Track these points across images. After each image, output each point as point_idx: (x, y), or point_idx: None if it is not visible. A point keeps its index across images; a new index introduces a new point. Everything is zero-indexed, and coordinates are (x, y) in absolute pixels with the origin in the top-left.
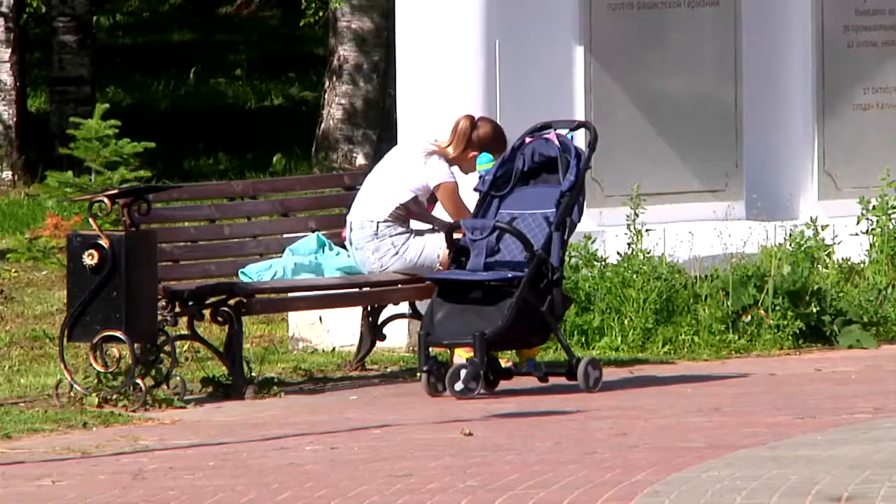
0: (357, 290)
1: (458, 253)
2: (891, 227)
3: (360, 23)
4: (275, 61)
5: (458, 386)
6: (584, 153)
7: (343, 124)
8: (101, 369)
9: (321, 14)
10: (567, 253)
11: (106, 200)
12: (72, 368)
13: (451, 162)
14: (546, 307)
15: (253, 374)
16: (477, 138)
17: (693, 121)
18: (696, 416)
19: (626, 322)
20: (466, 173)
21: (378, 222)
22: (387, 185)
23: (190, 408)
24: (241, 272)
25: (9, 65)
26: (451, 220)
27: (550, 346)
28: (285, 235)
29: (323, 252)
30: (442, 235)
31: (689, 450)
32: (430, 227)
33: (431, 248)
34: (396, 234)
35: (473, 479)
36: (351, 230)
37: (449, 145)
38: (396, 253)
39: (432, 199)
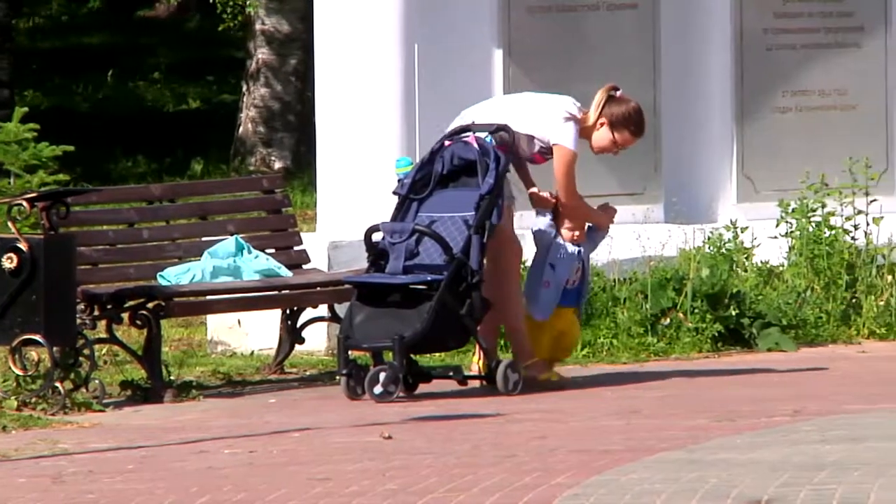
0: (276, 292)
1: (378, 256)
2: (810, 229)
3: (277, 26)
4: (193, 64)
5: (378, 389)
6: (502, 157)
7: (260, 128)
8: (20, 373)
9: (239, 18)
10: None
11: (25, 204)
12: None
13: (584, 131)
14: (465, 310)
15: (171, 377)
16: (608, 114)
17: None
18: (615, 420)
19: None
20: (597, 149)
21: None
22: (521, 111)
23: (109, 411)
24: (160, 275)
25: None
26: (558, 191)
27: (470, 349)
28: (204, 239)
29: (241, 255)
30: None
31: (609, 453)
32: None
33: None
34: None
35: (393, 482)
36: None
37: (589, 114)
38: None
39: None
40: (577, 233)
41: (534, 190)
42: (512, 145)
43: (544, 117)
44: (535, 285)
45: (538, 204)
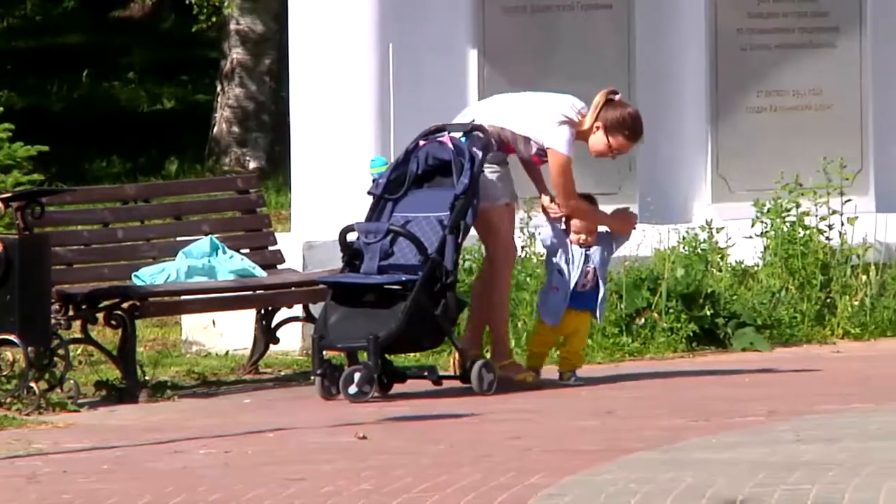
0: (250, 292)
1: (352, 256)
2: (784, 229)
3: (252, 26)
4: (168, 64)
5: (352, 389)
6: (477, 157)
7: (235, 128)
8: None
9: (214, 19)
10: (461, 256)
11: None
12: None
13: (581, 135)
14: (440, 310)
15: (146, 377)
16: (604, 118)
17: None
18: (590, 419)
19: (519, 325)
20: (593, 153)
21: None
22: (518, 112)
23: (84, 411)
24: (135, 275)
25: None
26: (556, 194)
27: (444, 350)
28: (178, 239)
29: (216, 255)
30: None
31: (584, 453)
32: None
33: (498, 191)
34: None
35: (368, 482)
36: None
37: (586, 117)
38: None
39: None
40: (583, 235)
41: (545, 199)
42: (487, 146)
43: (539, 120)
44: (546, 290)
45: (546, 213)
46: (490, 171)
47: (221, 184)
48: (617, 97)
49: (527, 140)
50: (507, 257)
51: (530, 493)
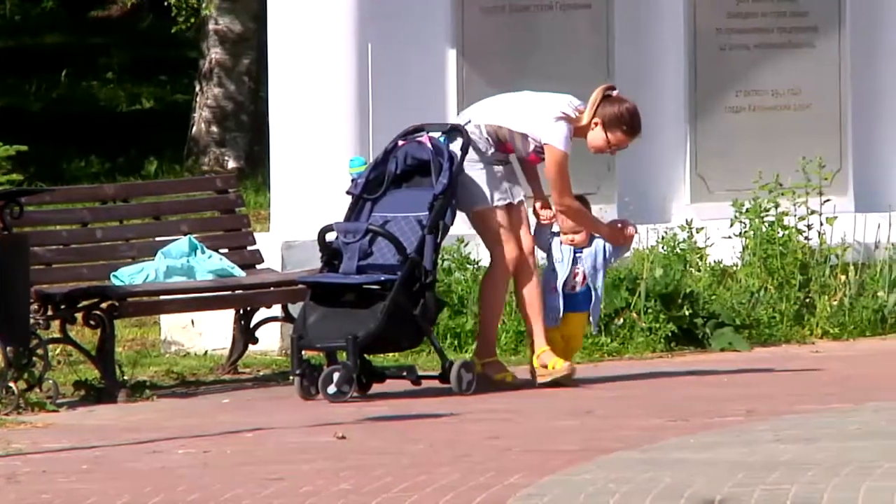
0: (229, 292)
1: (331, 256)
2: (763, 229)
3: (230, 26)
4: (146, 64)
5: (331, 389)
6: (456, 156)
7: (214, 127)
8: None
9: (192, 20)
10: (440, 256)
11: None
12: None
13: (579, 131)
14: (419, 310)
15: (125, 377)
16: (602, 114)
17: None
18: (569, 419)
19: (499, 325)
20: (592, 149)
21: (483, 127)
22: (515, 109)
23: (62, 411)
24: (113, 275)
25: None
26: (551, 191)
27: (423, 349)
28: (157, 239)
29: (195, 255)
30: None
31: (563, 453)
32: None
33: (493, 192)
34: (486, 150)
35: (347, 482)
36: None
37: (584, 113)
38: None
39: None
40: (573, 236)
41: (537, 204)
42: (467, 147)
43: (537, 116)
44: (546, 291)
45: (538, 217)
46: (486, 172)
47: (200, 184)
48: (615, 93)
49: (524, 137)
50: (501, 254)
51: (509, 493)
